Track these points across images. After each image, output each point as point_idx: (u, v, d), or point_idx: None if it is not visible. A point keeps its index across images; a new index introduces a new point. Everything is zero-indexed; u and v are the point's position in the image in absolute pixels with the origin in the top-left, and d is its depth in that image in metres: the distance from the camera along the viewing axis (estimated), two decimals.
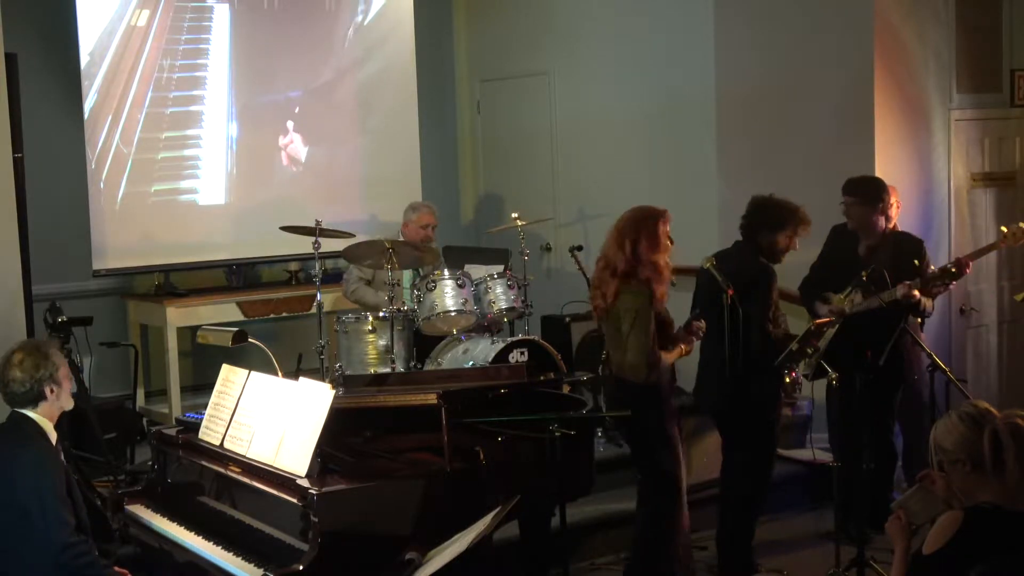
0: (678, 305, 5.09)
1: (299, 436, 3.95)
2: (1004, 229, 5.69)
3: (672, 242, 4.85)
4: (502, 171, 8.61)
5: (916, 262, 5.54)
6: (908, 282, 5.45)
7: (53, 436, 3.98)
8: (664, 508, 4.93)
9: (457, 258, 6.97)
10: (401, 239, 6.54)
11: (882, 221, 5.72)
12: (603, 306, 4.87)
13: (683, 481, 4.94)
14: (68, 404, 4.05)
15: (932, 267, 5.84)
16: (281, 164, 7.63)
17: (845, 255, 5.73)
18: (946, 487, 3.27)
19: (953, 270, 5.49)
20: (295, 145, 7.63)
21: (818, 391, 5.95)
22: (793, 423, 6.46)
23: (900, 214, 6.17)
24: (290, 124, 7.61)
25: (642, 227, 4.82)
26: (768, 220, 5.12)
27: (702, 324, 4.90)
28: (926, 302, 5.55)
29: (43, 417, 3.95)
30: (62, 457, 4.02)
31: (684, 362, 5.10)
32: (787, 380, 5.06)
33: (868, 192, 5.71)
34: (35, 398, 3.92)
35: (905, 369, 5.74)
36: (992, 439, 3.11)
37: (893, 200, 6.00)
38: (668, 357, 4.88)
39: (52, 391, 3.93)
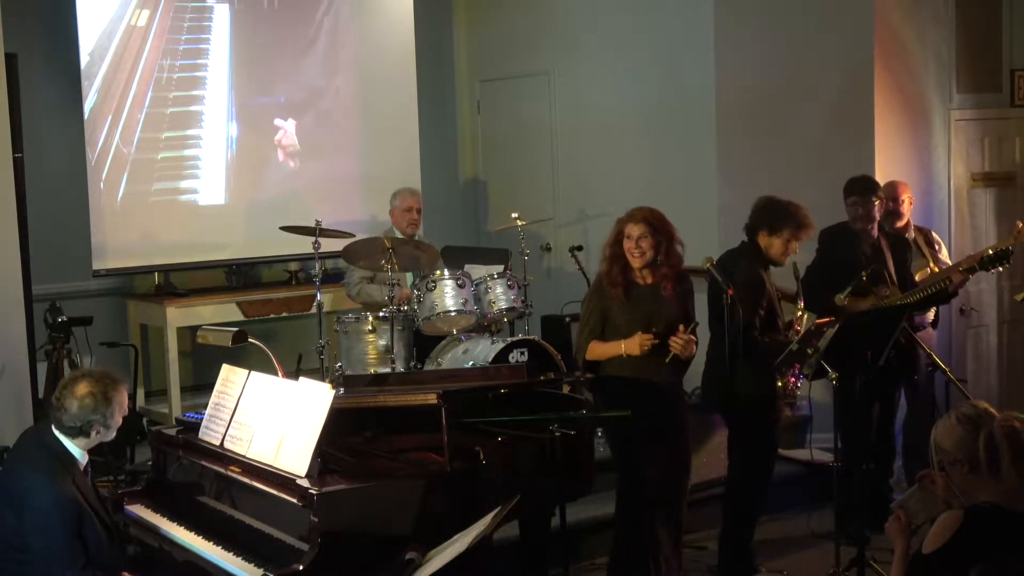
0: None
1: (299, 436, 3.95)
2: (1020, 224, 5.71)
3: (633, 246, 4.77)
4: (502, 171, 8.61)
5: (931, 265, 5.63)
6: (961, 268, 5.53)
7: (83, 460, 3.89)
8: (625, 509, 4.92)
9: (457, 258, 6.96)
10: (396, 233, 6.57)
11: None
12: None
13: (654, 483, 4.81)
14: (109, 438, 3.96)
15: (948, 259, 5.93)
16: (281, 164, 7.63)
17: (845, 256, 5.72)
18: (946, 487, 3.27)
19: (992, 253, 5.56)
20: (295, 145, 7.63)
21: (819, 392, 5.95)
22: (793, 423, 6.46)
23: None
24: (290, 124, 7.61)
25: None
26: (767, 222, 5.13)
27: (678, 336, 4.71)
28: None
29: (79, 448, 3.86)
30: (88, 479, 3.93)
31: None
32: (780, 384, 5.05)
33: (873, 186, 5.75)
34: (78, 434, 3.83)
35: (907, 369, 5.75)
36: (987, 442, 3.12)
37: (904, 197, 6.04)
38: (602, 349, 4.83)
39: (97, 432, 3.85)
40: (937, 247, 6.22)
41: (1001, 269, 5.71)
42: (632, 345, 4.73)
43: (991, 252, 5.57)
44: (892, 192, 6.00)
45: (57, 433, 3.85)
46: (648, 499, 4.81)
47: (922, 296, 5.57)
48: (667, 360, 4.71)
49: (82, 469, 3.89)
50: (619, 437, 4.92)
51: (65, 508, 3.72)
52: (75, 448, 3.86)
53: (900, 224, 6.00)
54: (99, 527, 3.82)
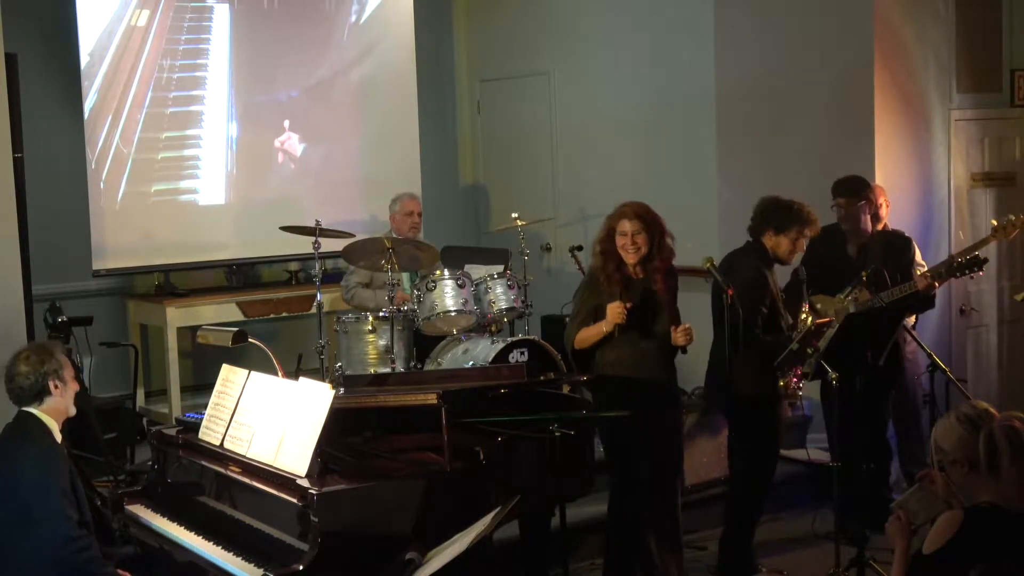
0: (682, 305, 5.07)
1: (299, 436, 3.95)
2: (995, 222, 5.69)
3: (627, 242, 4.78)
4: (502, 171, 8.61)
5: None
6: (925, 273, 5.48)
7: (58, 436, 4.03)
8: (617, 508, 4.92)
9: (457, 258, 6.96)
10: (395, 235, 6.57)
11: (868, 220, 5.73)
12: None
13: (647, 482, 4.81)
14: (72, 409, 4.11)
15: (922, 262, 5.88)
16: (281, 164, 7.63)
17: (832, 256, 5.71)
18: (946, 487, 3.27)
19: (962, 261, 5.49)
20: (294, 145, 7.63)
21: (815, 391, 5.94)
22: (793, 423, 6.46)
23: (900, 213, 6.18)
24: (290, 124, 7.61)
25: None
26: (772, 222, 5.12)
27: (676, 333, 4.77)
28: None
29: (48, 416, 4.00)
30: (66, 451, 4.06)
31: (689, 361, 5.08)
32: (781, 383, 5.04)
33: (857, 188, 5.73)
34: (39, 392, 3.98)
35: (900, 368, 5.75)
36: (987, 442, 3.12)
37: (882, 200, 6.02)
38: (587, 333, 4.84)
39: (56, 387, 3.99)
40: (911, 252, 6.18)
41: (972, 277, 5.66)
42: (612, 316, 4.72)
43: (959, 260, 5.53)
44: None
45: (26, 410, 4.00)
46: (641, 498, 4.81)
47: (896, 298, 5.50)
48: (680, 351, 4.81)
49: (59, 443, 4.02)
50: (611, 436, 4.92)
51: (54, 458, 3.90)
52: (45, 417, 3.99)
53: (878, 227, 5.98)
54: (81, 488, 3.98)
